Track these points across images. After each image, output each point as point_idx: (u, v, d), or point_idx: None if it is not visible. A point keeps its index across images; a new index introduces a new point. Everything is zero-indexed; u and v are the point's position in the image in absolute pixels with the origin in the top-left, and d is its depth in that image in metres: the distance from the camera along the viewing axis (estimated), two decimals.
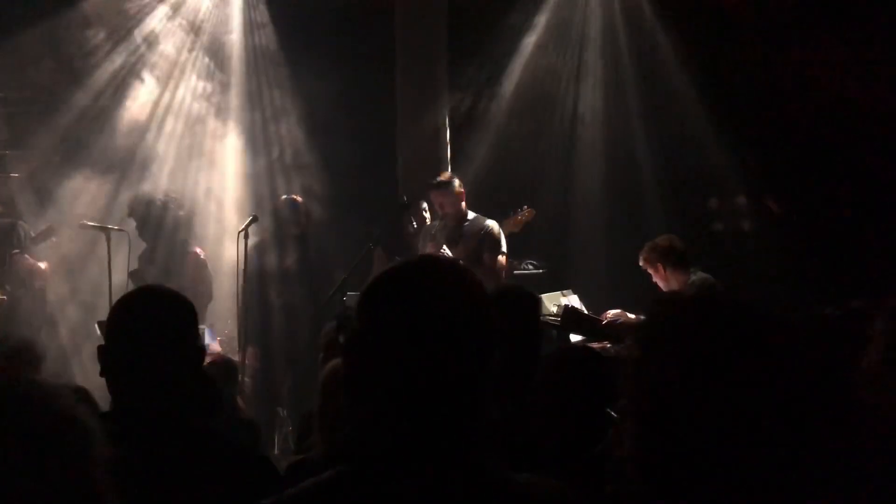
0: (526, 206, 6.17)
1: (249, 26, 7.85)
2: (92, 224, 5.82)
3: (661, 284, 5.31)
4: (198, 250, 6.10)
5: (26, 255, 6.19)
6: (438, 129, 7.50)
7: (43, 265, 6.33)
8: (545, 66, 7.94)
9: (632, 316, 5.10)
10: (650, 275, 5.32)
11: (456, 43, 7.56)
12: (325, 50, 7.46)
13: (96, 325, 5.49)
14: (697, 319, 1.27)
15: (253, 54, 7.88)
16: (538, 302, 3.53)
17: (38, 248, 6.35)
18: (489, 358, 1.30)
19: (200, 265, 6.01)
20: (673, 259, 5.21)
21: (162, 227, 5.92)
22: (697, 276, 5.19)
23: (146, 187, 6.46)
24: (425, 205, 6.41)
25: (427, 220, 6.37)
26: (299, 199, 6.28)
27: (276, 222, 6.23)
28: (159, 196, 6.07)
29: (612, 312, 5.19)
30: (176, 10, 7.61)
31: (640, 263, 5.32)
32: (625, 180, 7.78)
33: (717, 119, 7.38)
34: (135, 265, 5.96)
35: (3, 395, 1.11)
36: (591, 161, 7.95)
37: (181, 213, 6.05)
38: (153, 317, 1.96)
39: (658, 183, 7.63)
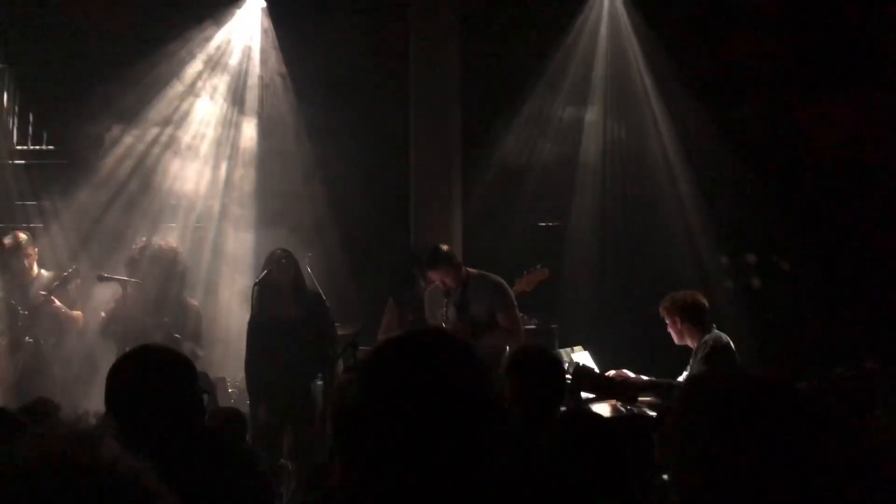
0: (539, 266, 6.17)
1: (266, 84, 8.03)
2: (109, 276, 5.88)
3: (674, 336, 5.31)
4: (195, 302, 6.17)
5: (54, 299, 6.24)
6: (451, 186, 7.58)
7: (77, 313, 6.40)
8: (559, 118, 8.01)
9: (632, 375, 5.13)
10: (665, 324, 5.32)
11: (470, 100, 7.69)
12: (341, 108, 7.61)
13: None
14: (727, 406, 1.37)
15: (270, 108, 8.05)
16: (560, 363, 3.58)
17: (72, 296, 6.42)
18: (485, 428, 1.37)
19: (199, 317, 6.06)
20: (692, 315, 5.21)
21: (164, 278, 5.96)
22: (712, 333, 5.18)
23: (151, 240, 6.53)
24: None
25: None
26: (286, 251, 6.16)
27: (273, 274, 6.19)
28: (162, 247, 6.13)
29: (612, 372, 5.21)
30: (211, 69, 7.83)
31: (660, 311, 5.33)
32: (636, 235, 7.82)
33: (728, 177, 7.45)
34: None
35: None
36: (602, 216, 8.00)
37: (180, 265, 6.11)
38: (152, 375, 1.99)
39: (669, 239, 7.67)
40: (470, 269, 5.78)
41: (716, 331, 5.19)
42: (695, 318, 5.21)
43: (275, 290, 5.84)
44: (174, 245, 6.27)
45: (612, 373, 5.19)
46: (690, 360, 5.21)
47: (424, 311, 6.03)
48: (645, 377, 5.16)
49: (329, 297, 6.19)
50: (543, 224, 7.98)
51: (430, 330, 1.53)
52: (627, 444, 2.75)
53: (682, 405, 1.46)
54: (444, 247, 5.93)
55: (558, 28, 7.85)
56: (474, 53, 7.72)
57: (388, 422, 1.33)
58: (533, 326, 6.71)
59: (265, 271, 5.90)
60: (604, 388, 5.04)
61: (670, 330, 5.31)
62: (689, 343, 5.25)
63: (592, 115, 8.01)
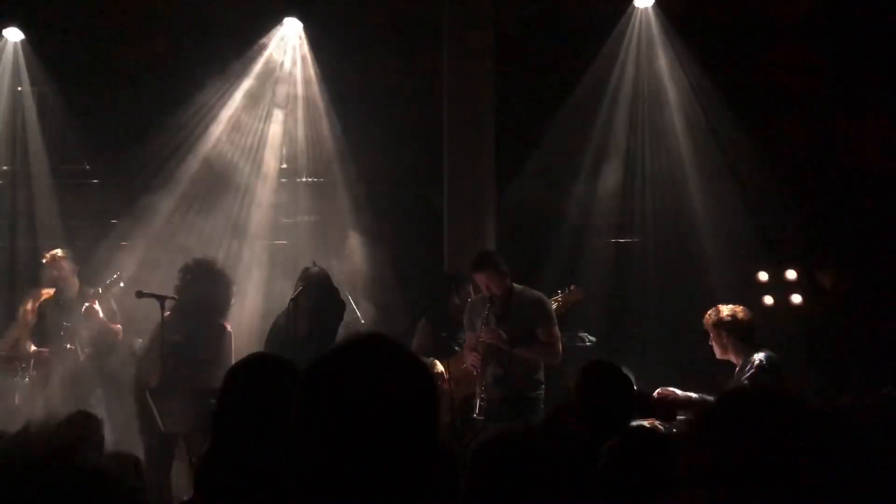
0: (573, 286, 6.14)
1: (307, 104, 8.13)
2: (147, 292, 5.96)
3: (717, 350, 5.22)
4: (228, 325, 6.11)
5: (98, 309, 6.37)
6: (485, 205, 7.58)
7: (117, 326, 6.53)
8: (594, 135, 7.97)
9: (680, 393, 5.04)
10: (708, 336, 5.23)
11: (505, 117, 7.69)
12: (376, 125, 7.67)
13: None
14: (760, 419, 1.34)
15: (309, 127, 8.15)
16: (629, 379, 3.55)
17: (112, 306, 6.55)
18: (425, 432, 1.34)
19: (229, 340, 6.00)
20: (737, 331, 5.12)
21: (202, 298, 5.93)
22: (762, 353, 5.06)
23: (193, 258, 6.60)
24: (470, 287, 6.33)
25: (471, 294, 6.34)
26: (311, 270, 6.18)
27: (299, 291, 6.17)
28: (206, 266, 6.16)
29: (661, 390, 5.12)
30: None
31: (704, 322, 5.24)
32: (676, 251, 7.74)
33: (768, 191, 7.35)
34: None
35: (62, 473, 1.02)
36: (639, 232, 7.94)
37: (223, 286, 6.12)
38: (264, 382, 2.02)
39: (709, 255, 7.58)
40: (515, 284, 5.78)
41: (766, 350, 5.08)
42: (741, 334, 5.11)
43: (293, 307, 5.90)
44: (217, 262, 6.31)
45: (659, 391, 5.11)
46: (734, 377, 5.11)
47: (461, 325, 6.03)
48: (684, 394, 5.09)
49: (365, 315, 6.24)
50: (580, 241, 7.92)
51: (366, 336, 1.42)
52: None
53: (697, 420, 1.42)
54: (493, 252, 5.96)
55: (593, 44, 7.83)
56: (508, 71, 7.73)
57: (323, 435, 1.31)
58: (588, 343, 6.66)
59: (300, 287, 5.94)
60: (642, 406, 4.98)
61: (712, 343, 5.21)
62: (733, 358, 5.15)
63: (628, 130, 7.95)
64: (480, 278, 5.70)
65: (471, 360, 5.65)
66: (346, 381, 1.32)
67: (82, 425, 3.17)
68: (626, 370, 5.56)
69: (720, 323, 5.15)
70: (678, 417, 4.93)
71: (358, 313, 6.61)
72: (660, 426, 4.84)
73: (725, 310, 5.19)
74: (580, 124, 7.84)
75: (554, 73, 7.88)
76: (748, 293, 7.32)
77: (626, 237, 8.02)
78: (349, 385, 1.31)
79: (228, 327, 6.07)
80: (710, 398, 4.95)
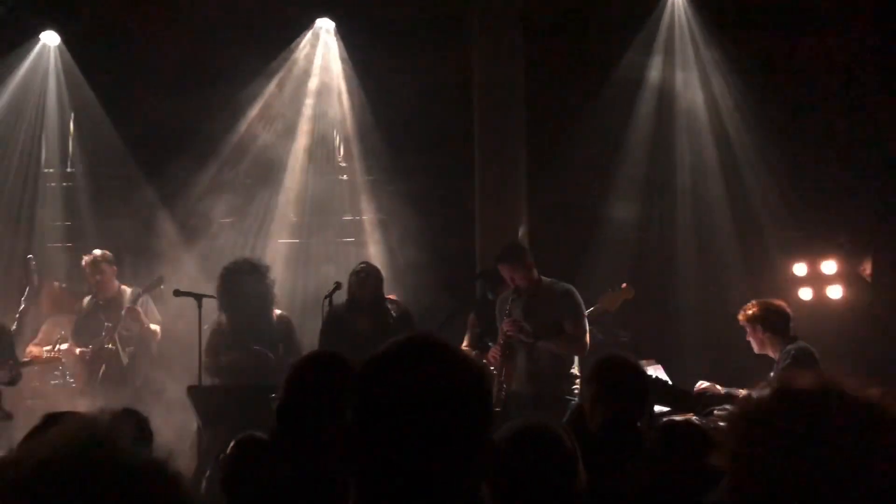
0: (624, 284, 6.08)
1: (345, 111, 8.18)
2: (185, 291, 6.03)
3: (755, 345, 5.15)
4: (283, 312, 6.14)
5: (140, 310, 6.51)
6: (517, 205, 7.57)
7: (156, 328, 6.64)
8: (630, 142, 7.92)
9: (721, 389, 4.99)
10: (741, 333, 5.18)
11: (535, 113, 7.67)
12: (408, 122, 7.69)
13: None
14: (809, 413, 1.32)
15: (342, 128, 8.19)
16: (643, 373, 3.52)
17: (153, 306, 6.67)
18: (480, 435, 1.35)
19: (291, 327, 6.03)
20: (775, 324, 5.05)
21: (251, 292, 5.94)
22: (796, 344, 5.01)
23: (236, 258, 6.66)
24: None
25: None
26: (367, 264, 6.26)
27: (349, 287, 6.23)
28: (251, 262, 6.22)
29: (703, 384, 5.07)
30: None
31: (740, 318, 5.17)
32: (708, 244, 7.67)
33: (807, 182, 7.25)
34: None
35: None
36: (672, 226, 7.87)
37: (269, 279, 6.17)
38: (327, 379, 2.05)
39: (743, 247, 7.50)
40: (543, 277, 5.72)
41: (801, 342, 5.03)
42: (778, 327, 5.04)
43: (353, 304, 5.90)
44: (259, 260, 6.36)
45: (701, 385, 5.07)
46: (772, 372, 5.05)
47: (495, 321, 6.02)
48: (725, 389, 5.04)
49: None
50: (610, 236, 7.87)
51: (417, 336, 1.42)
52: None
53: (742, 413, 1.40)
54: (519, 244, 5.90)
55: (625, 36, 7.76)
56: (539, 65, 7.69)
57: (380, 438, 1.32)
58: (626, 340, 6.61)
59: (335, 284, 5.98)
60: (679, 401, 4.95)
61: (750, 338, 5.15)
62: (771, 353, 5.09)
63: (661, 122, 7.88)
64: (505, 270, 5.68)
65: (491, 353, 5.64)
66: (398, 381, 1.34)
67: (131, 422, 3.22)
68: (656, 366, 5.57)
69: (755, 318, 5.09)
70: (716, 412, 4.89)
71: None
72: (697, 421, 4.82)
73: (760, 304, 5.13)
74: (612, 117, 7.78)
75: (585, 67, 7.82)
76: (786, 287, 7.25)
77: (661, 231, 7.94)
78: (402, 385, 1.33)
79: (285, 314, 6.09)
80: (751, 393, 4.89)
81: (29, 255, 7.20)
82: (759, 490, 1.29)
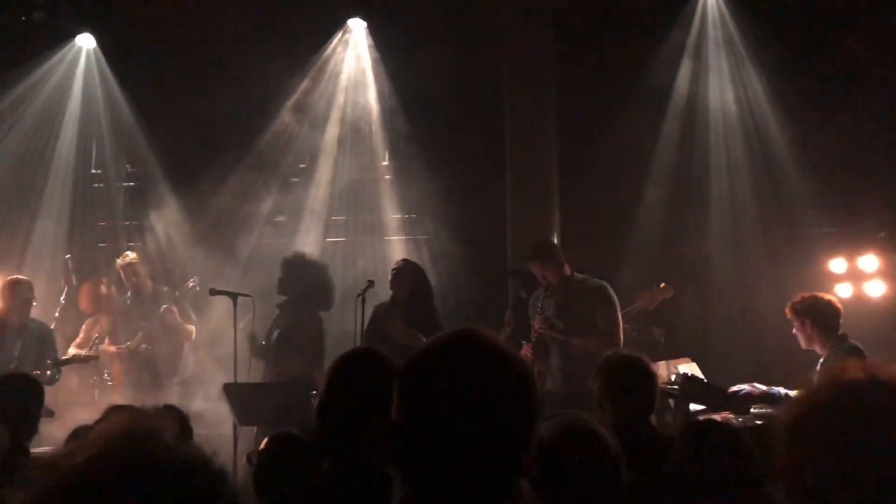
0: (662, 283, 6.02)
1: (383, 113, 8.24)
2: (221, 290, 6.10)
3: (801, 341, 4.99)
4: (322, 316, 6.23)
5: (174, 310, 6.62)
6: (549, 195, 7.54)
7: (191, 327, 6.76)
8: (662, 139, 7.83)
9: (761, 387, 4.91)
10: (791, 326, 5.04)
11: (567, 116, 7.63)
12: (439, 120, 7.69)
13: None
14: (858, 404, 1.30)
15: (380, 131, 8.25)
16: (649, 371, 3.48)
17: (188, 307, 6.80)
18: (527, 430, 1.35)
19: (321, 329, 6.13)
20: (824, 319, 4.89)
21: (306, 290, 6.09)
22: (847, 344, 4.87)
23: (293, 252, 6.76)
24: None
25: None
26: (401, 262, 6.26)
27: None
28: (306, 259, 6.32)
29: (740, 386, 4.99)
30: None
31: (787, 312, 5.02)
32: (743, 243, 7.58)
33: (847, 179, 7.14)
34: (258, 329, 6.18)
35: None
36: (709, 224, 7.78)
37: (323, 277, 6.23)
38: (369, 376, 2.06)
39: (778, 244, 7.41)
40: (576, 274, 5.68)
41: (851, 341, 4.88)
42: (828, 323, 4.88)
43: (392, 302, 5.95)
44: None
45: (738, 386, 4.98)
46: (817, 368, 4.94)
47: (528, 320, 6.00)
48: (762, 388, 4.96)
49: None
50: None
51: (461, 331, 1.40)
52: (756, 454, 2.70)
53: (794, 407, 1.37)
54: (549, 241, 5.86)
55: (658, 31, 7.69)
56: (570, 62, 7.65)
57: (426, 433, 1.32)
58: (660, 337, 6.56)
59: (368, 283, 6.00)
60: (714, 400, 4.90)
61: (796, 332, 4.99)
62: (818, 349, 4.93)
63: (694, 117, 7.81)
64: (535, 267, 5.65)
65: (523, 351, 5.61)
66: (444, 375, 1.34)
67: (171, 418, 3.27)
68: (691, 364, 5.51)
69: (804, 311, 4.92)
70: (753, 411, 4.83)
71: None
72: (733, 420, 4.77)
73: (809, 298, 4.96)
74: (644, 114, 7.71)
75: (617, 63, 7.75)
76: (823, 284, 7.13)
77: (695, 229, 7.86)
78: (448, 379, 1.33)
79: (322, 318, 6.18)
80: (792, 392, 4.82)
81: (67, 256, 7.33)
82: (815, 484, 1.27)
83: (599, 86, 7.75)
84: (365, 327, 5.81)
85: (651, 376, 3.41)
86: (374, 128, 8.21)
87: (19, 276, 6.16)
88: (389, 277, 6.04)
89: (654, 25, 7.68)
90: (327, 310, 6.20)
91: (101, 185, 8.40)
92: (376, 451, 1.76)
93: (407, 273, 5.98)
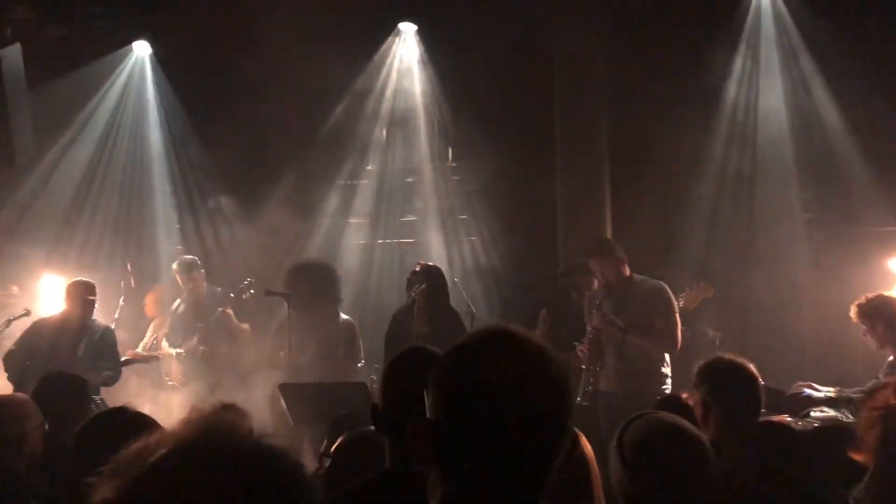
0: (703, 282, 5.97)
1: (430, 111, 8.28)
2: (275, 291, 6.20)
3: (873, 344, 4.85)
4: (348, 317, 6.32)
5: (230, 312, 6.76)
6: (600, 196, 7.50)
7: (246, 326, 6.90)
8: (715, 137, 7.73)
9: (818, 390, 4.81)
10: (853, 329, 4.93)
11: (618, 117, 7.57)
12: (490, 121, 7.70)
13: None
14: None
15: (431, 133, 8.29)
16: (756, 377, 3.42)
17: (246, 308, 6.95)
18: (564, 430, 1.33)
19: (354, 331, 6.22)
20: (893, 319, 4.75)
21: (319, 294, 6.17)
22: None
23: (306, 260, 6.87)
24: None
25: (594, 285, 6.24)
26: (420, 264, 6.30)
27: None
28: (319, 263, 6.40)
29: (801, 385, 4.89)
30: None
31: (853, 315, 4.90)
32: (799, 243, 7.43)
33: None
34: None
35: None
36: (768, 222, 7.64)
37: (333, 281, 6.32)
38: (422, 374, 2.08)
39: (835, 244, 7.24)
40: (635, 274, 5.69)
41: None
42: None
43: (408, 305, 6.00)
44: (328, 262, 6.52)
45: (798, 385, 4.90)
46: (884, 370, 4.80)
47: (571, 321, 5.98)
48: (822, 391, 4.86)
49: (479, 311, 6.30)
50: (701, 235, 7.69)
51: (494, 328, 1.39)
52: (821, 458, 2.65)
53: (879, 408, 1.35)
54: (609, 239, 5.85)
55: (712, 29, 7.59)
56: (623, 61, 7.59)
57: (465, 429, 1.31)
58: (713, 338, 6.48)
59: (419, 284, 6.03)
60: (772, 402, 4.81)
61: (867, 336, 4.85)
62: (892, 352, 4.79)
63: (749, 116, 7.68)
64: (595, 265, 5.67)
65: (579, 348, 5.61)
66: (477, 372, 1.33)
67: (235, 415, 3.32)
68: (752, 366, 5.41)
69: (873, 313, 4.79)
70: (812, 414, 4.74)
71: (472, 307, 6.64)
72: (793, 423, 4.68)
73: (878, 299, 4.84)
74: (697, 111, 7.62)
75: (669, 62, 7.67)
76: (881, 283, 6.95)
77: (749, 228, 7.73)
78: (483, 375, 1.32)
79: (350, 319, 6.27)
80: (855, 394, 4.72)
81: (128, 262, 7.54)
82: None
83: (651, 83, 7.67)
84: (386, 332, 5.91)
85: (756, 379, 3.36)
86: (424, 130, 8.26)
87: (82, 279, 6.33)
88: (406, 282, 6.08)
89: (707, 21, 7.58)
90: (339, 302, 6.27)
91: (157, 189, 8.57)
92: (412, 450, 1.80)
93: (423, 277, 6.03)
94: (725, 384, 3.23)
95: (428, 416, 1.35)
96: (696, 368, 3.41)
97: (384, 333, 6.28)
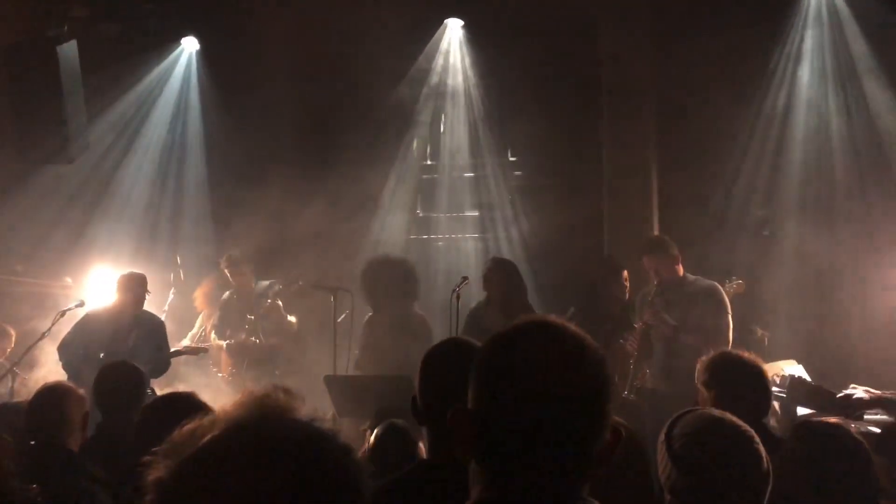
0: (736, 278, 5.91)
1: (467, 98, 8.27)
2: (323, 285, 6.27)
3: None
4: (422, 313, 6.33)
5: (280, 304, 6.91)
6: (646, 193, 7.42)
7: (293, 319, 7.03)
8: (763, 122, 7.61)
9: (875, 392, 4.69)
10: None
11: (665, 114, 7.48)
12: (535, 119, 7.66)
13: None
14: None
15: (472, 118, 8.27)
16: (763, 374, 3.37)
17: (293, 301, 7.07)
18: (603, 425, 1.32)
19: (428, 327, 6.19)
20: None
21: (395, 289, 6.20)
22: None
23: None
24: (625, 273, 6.21)
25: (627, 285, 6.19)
26: (491, 262, 6.29)
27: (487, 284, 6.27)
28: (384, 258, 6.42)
29: (855, 387, 4.78)
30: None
31: None
32: (845, 243, 7.27)
33: None
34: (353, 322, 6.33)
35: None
36: (814, 220, 7.49)
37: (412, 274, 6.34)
38: (459, 366, 2.09)
39: (882, 244, 7.07)
40: (688, 274, 5.68)
41: None
42: None
43: (484, 302, 6.00)
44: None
45: (852, 388, 4.78)
46: None
47: (619, 316, 5.94)
48: (874, 392, 4.74)
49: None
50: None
51: (539, 319, 1.39)
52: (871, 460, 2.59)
53: None
54: (664, 237, 5.84)
55: (759, 26, 7.45)
56: (668, 59, 7.50)
57: (507, 418, 1.30)
58: (759, 336, 6.39)
59: (463, 278, 6.04)
60: (823, 403, 4.71)
61: None
62: None
63: (795, 112, 7.53)
64: (649, 262, 5.66)
65: (629, 342, 5.58)
66: (522, 360, 1.33)
67: (288, 397, 3.37)
68: (796, 366, 5.31)
69: None
70: (867, 417, 4.63)
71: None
72: (845, 424, 4.57)
73: None
74: (743, 111, 7.50)
75: (716, 58, 7.56)
76: None
77: (797, 227, 7.58)
78: (526, 364, 1.32)
79: (421, 313, 6.27)
80: None
81: (178, 255, 7.68)
82: None
83: (698, 80, 7.57)
84: (461, 328, 5.87)
85: (763, 377, 3.30)
86: (469, 125, 8.26)
87: (134, 271, 6.45)
88: (482, 278, 6.06)
89: (751, 11, 7.46)
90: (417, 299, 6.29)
91: (207, 183, 8.70)
92: (452, 440, 1.80)
93: (499, 272, 6.01)
94: (731, 381, 3.18)
95: (469, 404, 1.36)
96: (700, 364, 3.36)
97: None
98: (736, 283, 5.90)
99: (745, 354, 3.39)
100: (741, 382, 3.22)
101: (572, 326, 1.39)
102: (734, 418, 2.09)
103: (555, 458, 1.30)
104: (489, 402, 1.33)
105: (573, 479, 1.32)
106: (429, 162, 8.43)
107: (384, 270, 6.26)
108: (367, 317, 6.21)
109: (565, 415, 1.29)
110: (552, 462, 1.30)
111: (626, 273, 6.13)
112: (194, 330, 7.34)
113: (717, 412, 2.15)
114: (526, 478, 1.30)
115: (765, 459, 1.99)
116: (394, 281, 6.15)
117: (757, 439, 2.02)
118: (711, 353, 3.44)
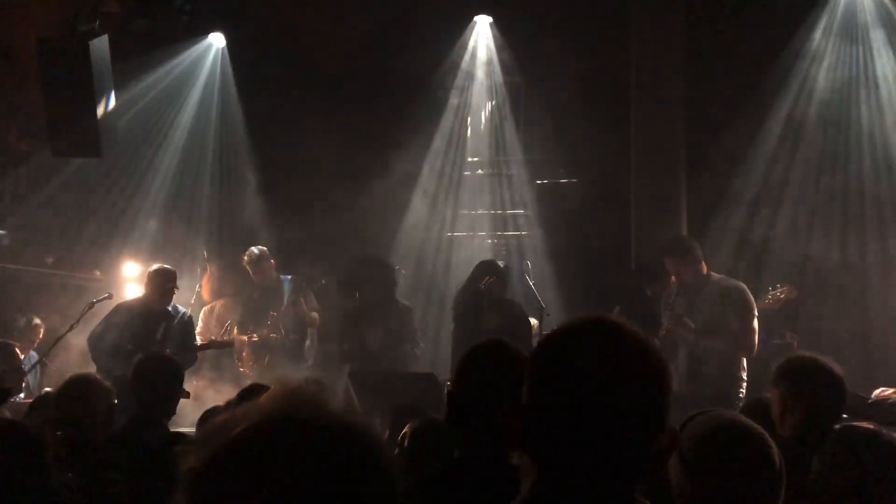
0: (787, 285, 5.80)
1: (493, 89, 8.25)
2: (348, 281, 6.32)
3: None
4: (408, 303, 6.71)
5: (302, 301, 7.02)
6: (676, 194, 7.37)
7: (315, 315, 7.13)
8: (792, 120, 7.52)
9: None
10: None
11: (694, 114, 7.41)
12: (564, 117, 7.63)
13: None
14: None
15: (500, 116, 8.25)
16: (840, 377, 3.29)
17: (313, 297, 7.19)
18: (656, 422, 1.31)
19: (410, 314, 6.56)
20: None
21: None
22: None
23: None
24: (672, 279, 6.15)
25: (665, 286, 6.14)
26: (492, 261, 6.44)
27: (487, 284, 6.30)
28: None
29: (884, 391, 4.70)
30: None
31: None
32: (873, 245, 7.16)
33: None
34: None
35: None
36: (843, 222, 7.39)
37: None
38: (500, 367, 2.08)
39: None
40: (713, 273, 5.56)
41: None
42: None
43: (487, 300, 6.00)
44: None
45: (881, 392, 4.71)
46: None
47: (645, 318, 5.88)
48: None
49: (549, 306, 6.28)
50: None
51: (596, 317, 1.37)
52: None
53: None
54: (686, 237, 5.77)
55: (789, 24, 7.37)
56: (699, 58, 7.43)
57: (562, 414, 1.30)
58: (792, 341, 6.30)
59: (488, 277, 6.04)
60: (855, 407, 4.63)
61: None
62: None
63: (825, 112, 7.43)
64: (671, 263, 5.58)
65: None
66: (576, 358, 1.32)
67: (319, 390, 3.38)
68: (836, 365, 5.22)
69: None
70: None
71: (541, 301, 6.61)
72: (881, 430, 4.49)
73: None
74: (773, 110, 7.42)
75: (746, 58, 7.49)
76: None
77: (829, 230, 7.48)
78: (579, 363, 1.31)
79: (408, 304, 6.60)
80: None
81: (204, 250, 7.75)
82: None
83: (729, 78, 7.52)
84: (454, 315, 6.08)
85: (841, 380, 3.24)
86: (497, 124, 8.25)
87: (163, 265, 6.51)
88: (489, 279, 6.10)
89: (783, 8, 7.38)
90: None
91: (233, 178, 8.75)
92: (504, 436, 1.76)
93: (489, 268, 6.14)
94: (808, 382, 3.11)
95: (524, 399, 1.35)
96: (774, 366, 3.29)
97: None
98: (783, 289, 5.79)
99: (822, 357, 3.28)
100: (817, 384, 3.12)
101: (635, 328, 1.37)
102: (744, 419, 2.06)
103: (609, 456, 1.29)
104: (540, 399, 1.33)
105: (626, 478, 1.31)
106: (457, 159, 8.41)
107: (371, 268, 6.57)
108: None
109: (624, 414, 1.29)
110: (606, 461, 1.29)
111: (672, 279, 6.06)
112: (199, 326, 7.34)
113: (727, 413, 2.12)
114: (579, 475, 1.30)
115: (777, 459, 1.96)
116: (381, 275, 6.48)
117: (769, 439, 1.99)
118: (789, 356, 3.38)
